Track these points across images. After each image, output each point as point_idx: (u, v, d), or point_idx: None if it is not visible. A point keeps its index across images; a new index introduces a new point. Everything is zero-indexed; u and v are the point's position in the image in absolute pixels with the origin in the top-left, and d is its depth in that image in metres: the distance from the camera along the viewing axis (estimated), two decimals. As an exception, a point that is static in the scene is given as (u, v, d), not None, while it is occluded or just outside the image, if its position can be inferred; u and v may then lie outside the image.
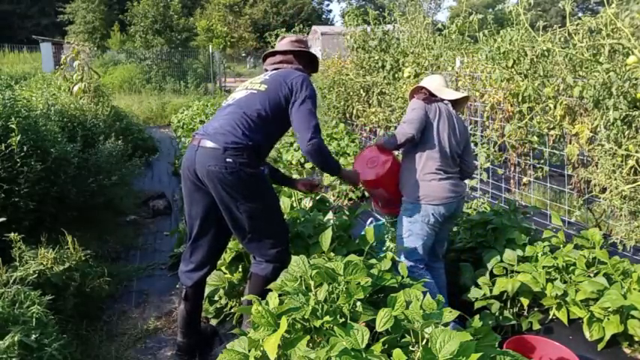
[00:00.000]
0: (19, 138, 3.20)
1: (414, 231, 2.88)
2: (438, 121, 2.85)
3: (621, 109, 3.32)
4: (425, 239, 2.89)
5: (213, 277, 3.04)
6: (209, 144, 2.39)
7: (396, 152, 3.12)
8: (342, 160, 6.27)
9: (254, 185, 2.42)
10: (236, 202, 2.42)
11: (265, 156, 2.66)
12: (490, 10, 34.73)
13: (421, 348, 1.60)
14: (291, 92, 2.52)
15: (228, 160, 2.34)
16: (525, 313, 3.01)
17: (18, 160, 3.23)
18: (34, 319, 2.20)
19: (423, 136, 2.85)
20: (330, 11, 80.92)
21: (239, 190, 2.39)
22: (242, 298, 2.79)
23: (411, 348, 1.66)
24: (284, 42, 2.82)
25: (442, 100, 2.95)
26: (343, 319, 1.81)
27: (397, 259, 2.84)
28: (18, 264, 2.66)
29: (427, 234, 2.89)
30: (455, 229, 3.71)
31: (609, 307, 2.62)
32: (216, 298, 3.13)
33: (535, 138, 4.65)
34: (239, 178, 2.37)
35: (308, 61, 2.83)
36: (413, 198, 2.86)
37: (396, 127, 6.74)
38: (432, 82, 3.02)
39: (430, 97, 2.94)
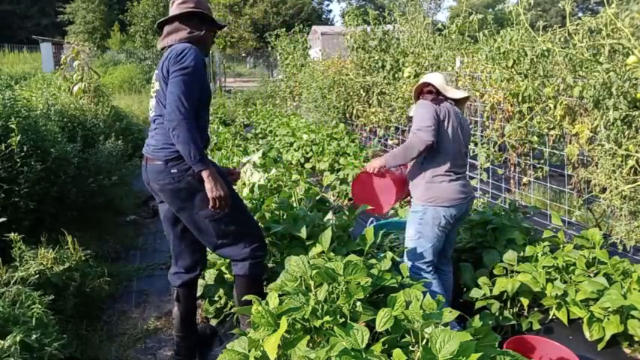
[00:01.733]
0: (19, 138, 3.20)
1: (424, 233, 2.83)
2: (448, 122, 2.77)
3: (621, 109, 3.32)
4: (435, 242, 2.84)
5: (213, 277, 3.04)
6: (154, 162, 2.39)
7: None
8: (341, 160, 6.27)
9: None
10: (194, 209, 2.39)
11: (205, 148, 2.48)
12: (490, 10, 34.75)
13: (421, 348, 1.61)
14: (169, 73, 2.30)
15: (172, 171, 2.34)
16: (525, 313, 3.01)
17: (18, 160, 3.23)
18: (34, 319, 2.20)
19: (440, 143, 2.76)
20: (330, 11, 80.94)
21: (193, 196, 2.37)
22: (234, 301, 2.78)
23: (411, 348, 1.66)
24: (172, 8, 2.49)
25: (448, 99, 2.87)
26: (343, 319, 1.81)
27: (406, 262, 2.84)
28: (18, 264, 2.66)
29: (437, 236, 2.84)
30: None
31: (609, 307, 2.62)
32: (216, 298, 3.13)
33: (535, 138, 4.65)
34: (188, 184, 2.34)
35: (198, 22, 2.47)
36: (424, 200, 2.81)
37: (396, 128, 6.76)
38: (438, 80, 2.91)
39: (438, 97, 2.85)
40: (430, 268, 2.87)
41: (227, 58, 24.88)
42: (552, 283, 2.88)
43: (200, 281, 3.01)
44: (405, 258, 2.88)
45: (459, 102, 2.98)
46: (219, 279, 3.12)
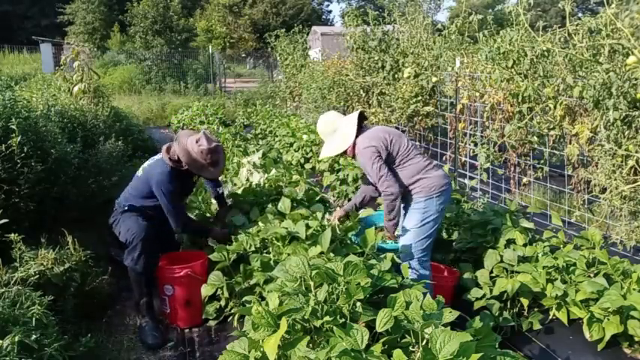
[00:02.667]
0: (19, 139, 3.20)
1: (427, 223, 2.93)
2: (391, 134, 2.98)
3: (621, 109, 3.32)
4: (433, 238, 2.98)
5: (213, 277, 3.04)
6: None
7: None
8: (341, 161, 6.27)
9: None
10: None
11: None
12: (490, 10, 34.71)
13: (421, 348, 1.61)
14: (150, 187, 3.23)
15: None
16: (525, 314, 3.01)
17: (18, 160, 3.23)
18: (34, 320, 2.20)
19: (398, 153, 2.95)
20: (330, 12, 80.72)
21: None
22: None
23: (411, 348, 1.66)
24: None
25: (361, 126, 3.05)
26: (343, 320, 1.81)
27: (405, 256, 2.88)
28: (18, 264, 2.66)
29: (434, 231, 2.98)
30: (455, 229, 3.72)
31: (609, 308, 2.62)
32: (216, 298, 3.13)
33: (535, 138, 4.65)
34: None
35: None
36: (426, 193, 2.91)
37: (396, 128, 6.76)
38: (348, 122, 3.06)
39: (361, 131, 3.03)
40: (427, 257, 2.98)
41: (227, 58, 24.88)
42: (552, 283, 2.88)
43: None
44: (403, 251, 2.91)
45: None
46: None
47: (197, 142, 3.19)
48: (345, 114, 8.64)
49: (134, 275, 3.12)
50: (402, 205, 3.11)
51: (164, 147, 3.30)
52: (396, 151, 2.96)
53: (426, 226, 2.93)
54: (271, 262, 2.82)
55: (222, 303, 3.11)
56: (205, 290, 3.01)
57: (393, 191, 2.87)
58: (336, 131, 3.08)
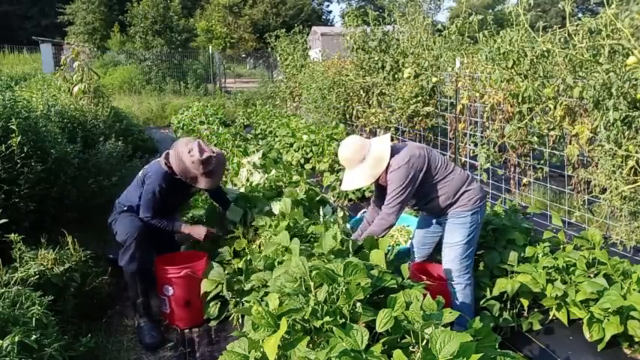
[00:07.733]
0: (19, 139, 3.20)
1: (473, 237, 2.85)
2: (426, 149, 2.83)
3: (621, 109, 3.32)
4: (476, 244, 2.92)
5: (214, 273, 3.04)
6: None
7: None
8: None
9: None
10: None
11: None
12: (490, 10, 34.72)
13: (421, 349, 1.61)
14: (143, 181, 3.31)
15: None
16: (525, 314, 3.01)
17: (18, 161, 3.23)
18: (34, 320, 2.20)
19: (438, 167, 2.81)
20: (330, 12, 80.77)
21: None
22: None
23: (411, 349, 1.66)
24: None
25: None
26: (343, 320, 1.81)
27: (449, 268, 2.85)
28: (18, 265, 2.66)
29: (477, 244, 2.93)
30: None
31: (609, 308, 2.61)
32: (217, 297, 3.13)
33: (535, 139, 4.65)
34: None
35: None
36: (471, 206, 2.82)
37: (396, 129, 6.77)
38: (381, 145, 2.79)
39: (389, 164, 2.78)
40: (470, 272, 2.90)
41: (227, 58, 24.87)
42: (552, 283, 2.88)
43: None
44: (450, 264, 2.86)
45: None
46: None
47: (189, 152, 3.15)
48: (345, 115, 8.66)
49: (128, 275, 3.14)
50: (435, 221, 3.04)
51: (164, 153, 3.36)
52: (435, 166, 2.80)
53: (471, 241, 2.85)
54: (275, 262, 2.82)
55: (226, 298, 3.08)
56: (205, 285, 3.01)
57: (393, 222, 2.80)
58: (365, 158, 2.78)
